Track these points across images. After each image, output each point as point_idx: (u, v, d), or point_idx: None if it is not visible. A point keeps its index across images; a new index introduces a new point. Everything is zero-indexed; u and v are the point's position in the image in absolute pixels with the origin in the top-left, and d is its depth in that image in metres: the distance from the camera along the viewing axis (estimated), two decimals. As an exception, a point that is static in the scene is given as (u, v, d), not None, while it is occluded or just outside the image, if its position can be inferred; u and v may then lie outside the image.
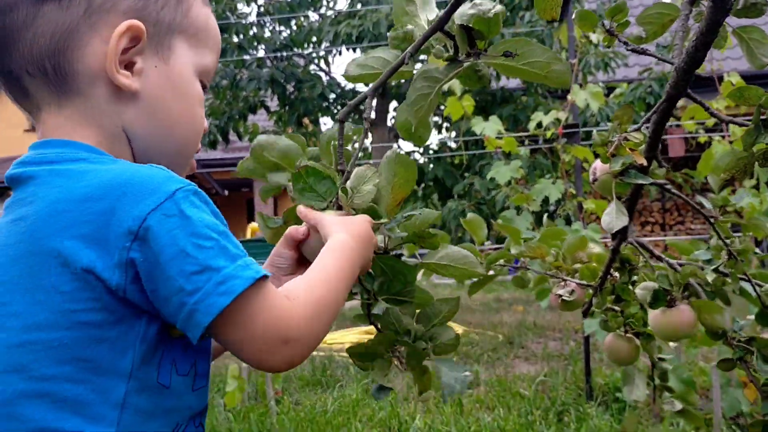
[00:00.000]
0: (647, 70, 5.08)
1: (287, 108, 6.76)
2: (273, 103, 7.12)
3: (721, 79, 3.78)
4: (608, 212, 1.09)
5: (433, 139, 10.03)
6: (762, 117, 0.81)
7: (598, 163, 1.12)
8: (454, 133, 6.25)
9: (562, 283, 1.37)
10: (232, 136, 7.45)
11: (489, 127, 3.89)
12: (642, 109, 5.77)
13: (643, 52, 0.87)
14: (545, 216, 2.54)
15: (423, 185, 6.73)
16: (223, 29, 6.65)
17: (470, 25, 0.70)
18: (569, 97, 3.94)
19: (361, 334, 6.24)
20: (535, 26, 5.68)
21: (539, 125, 4.04)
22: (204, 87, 0.82)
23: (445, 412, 3.37)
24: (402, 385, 4.30)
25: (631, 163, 1.04)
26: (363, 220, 0.83)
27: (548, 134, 4.46)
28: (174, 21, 0.75)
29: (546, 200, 4.04)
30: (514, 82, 7.26)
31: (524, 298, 9.14)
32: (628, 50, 0.86)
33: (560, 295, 1.35)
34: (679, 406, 1.35)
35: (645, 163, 1.01)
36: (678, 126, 5.77)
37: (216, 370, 4.91)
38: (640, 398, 1.44)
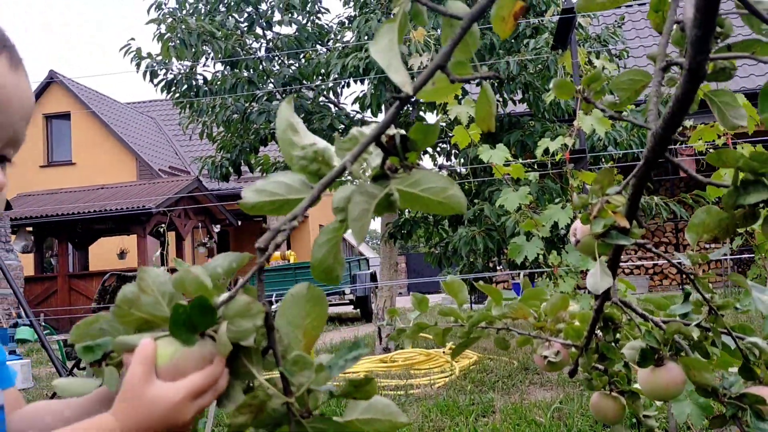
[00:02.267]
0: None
1: (297, 139, 6.84)
2: (283, 135, 7.23)
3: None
4: (592, 274, 1.11)
5: (443, 166, 10.09)
6: (742, 179, 0.84)
7: (578, 225, 1.14)
8: (462, 160, 6.28)
9: (547, 344, 1.37)
10: (244, 168, 7.53)
11: (496, 155, 3.92)
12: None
13: (619, 118, 0.91)
14: (528, 275, 2.56)
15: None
16: (234, 65, 6.78)
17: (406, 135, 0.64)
18: (575, 123, 3.97)
19: (374, 363, 6.23)
20: (540, 53, 5.75)
21: (546, 152, 4.08)
22: (6, 159, 0.78)
23: (461, 441, 3.36)
24: (417, 414, 4.29)
25: (612, 225, 1.07)
26: (175, 404, 0.65)
27: (557, 157, 4.49)
28: None
29: (555, 225, 4.05)
30: (520, 108, 7.31)
31: (539, 323, 9.11)
32: (605, 116, 0.90)
33: (545, 357, 1.35)
34: None
35: (627, 225, 1.03)
36: (688, 146, 5.78)
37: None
38: None
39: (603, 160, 5.75)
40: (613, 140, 5.57)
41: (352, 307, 12.74)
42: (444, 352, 6.31)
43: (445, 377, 5.47)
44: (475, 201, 6.35)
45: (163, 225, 4.83)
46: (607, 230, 1.03)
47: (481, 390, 4.92)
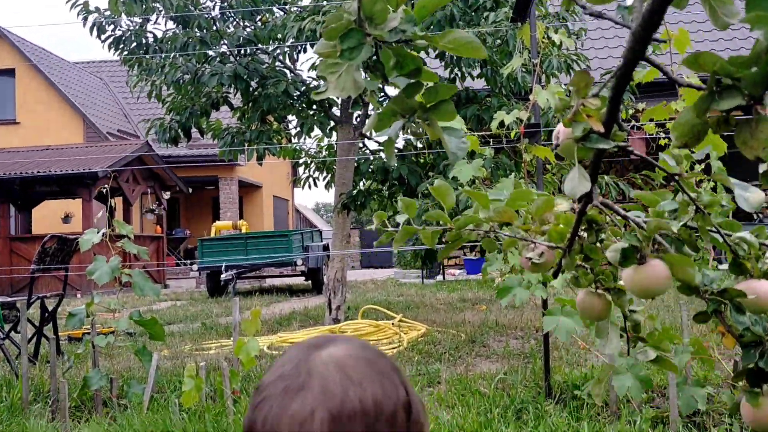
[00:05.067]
0: (608, 72, 5.13)
1: (251, 105, 6.67)
2: (236, 100, 7.02)
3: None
4: (571, 178, 1.10)
5: (399, 138, 10.04)
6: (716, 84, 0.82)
7: (561, 128, 1.13)
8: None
9: (531, 246, 1.36)
10: (194, 133, 7.32)
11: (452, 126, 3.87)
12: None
13: (600, 16, 0.87)
14: (480, 250, 2.53)
15: (388, 184, 6.70)
16: (185, 23, 6.54)
17: None
18: (531, 97, 3.95)
19: (324, 333, 6.20)
20: (499, 26, 5.70)
21: (501, 124, 4.05)
22: None
23: (405, 410, 3.35)
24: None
25: (592, 128, 1.06)
26: None
27: (512, 135, 4.47)
28: None
29: (508, 199, 4.05)
30: (479, 84, 7.29)
31: (487, 297, 9.19)
32: (585, 14, 0.86)
33: (530, 258, 1.34)
34: (653, 354, 1.37)
35: (602, 129, 1.01)
36: (639, 128, 5.85)
37: (173, 368, 4.82)
38: (615, 351, 1.45)
39: (557, 137, 5.76)
40: (567, 117, 5.57)
41: (303, 278, 12.66)
42: (393, 324, 6.31)
43: (394, 348, 5.47)
44: (430, 174, 6.33)
45: (106, 186, 4.64)
46: (587, 134, 1.01)
47: (428, 361, 4.93)
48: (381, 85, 1.12)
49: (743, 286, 1.20)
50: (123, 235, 4.20)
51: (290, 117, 7.13)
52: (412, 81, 1.08)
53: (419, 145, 6.86)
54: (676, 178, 1.24)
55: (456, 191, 5.03)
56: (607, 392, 3.46)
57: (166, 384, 4.18)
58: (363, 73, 1.07)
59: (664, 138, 4.93)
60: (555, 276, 1.45)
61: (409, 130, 1.15)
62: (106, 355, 5.67)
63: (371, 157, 7.03)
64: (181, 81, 6.52)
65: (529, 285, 3.60)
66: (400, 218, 1.54)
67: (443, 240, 1.53)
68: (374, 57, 1.08)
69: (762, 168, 1.02)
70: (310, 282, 12.39)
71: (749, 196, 1.17)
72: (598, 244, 1.37)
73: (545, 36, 4.33)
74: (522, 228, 1.47)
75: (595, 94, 1.07)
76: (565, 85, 4.33)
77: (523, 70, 5.98)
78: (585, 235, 1.38)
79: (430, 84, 1.08)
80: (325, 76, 1.09)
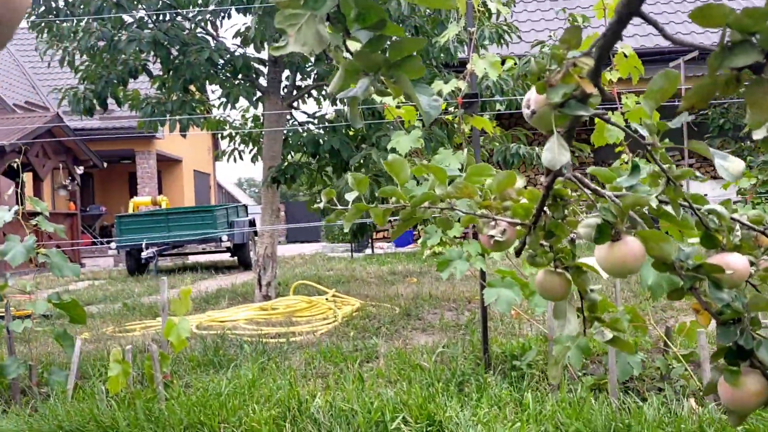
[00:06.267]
0: (540, 43, 5.14)
1: (171, 73, 6.32)
2: (156, 68, 6.64)
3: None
4: (549, 147, 1.03)
5: (329, 110, 9.84)
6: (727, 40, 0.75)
7: (532, 95, 1.05)
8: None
9: (493, 224, 1.29)
10: (111, 104, 6.91)
11: (387, 96, 3.76)
12: (534, 82, 5.86)
13: None
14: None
15: (318, 157, 6.54)
16: (99, -15, 6.10)
17: None
18: (469, 66, 3.89)
19: (254, 311, 6.03)
20: (432, -5, 5.62)
21: (439, 95, 3.98)
22: None
23: (347, 388, 3.27)
24: (300, 362, 4.17)
25: (572, 93, 0.99)
26: None
27: (446, 107, 4.41)
28: None
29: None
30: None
31: (417, 270, 9.23)
32: None
33: (492, 236, 1.27)
34: (609, 335, 1.33)
35: (595, 91, 0.95)
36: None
37: (96, 352, 4.56)
38: (573, 332, 1.41)
39: (489, 107, 5.77)
40: (500, 88, 5.58)
41: (229, 255, 12.35)
42: (326, 299, 6.21)
43: (329, 324, 5.39)
44: (362, 146, 6.21)
45: (16, 161, 4.29)
46: (566, 100, 0.94)
47: (364, 336, 4.87)
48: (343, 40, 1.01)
49: (716, 259, 1.17)
50: (37, 212, 3.90)
51: (215, 87, 6.82)
52: (376, 34, 0.97)
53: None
54: (648, 148, 1.19)
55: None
56: (545, 362, 3.49)
57: (90, 369, 3.95)
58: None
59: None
60: (518, 254, 1.39)
61: (372, 90, 1.04)
62: (21, 340, 5.32)
63: (300, 129, 6.84)
64: (96, 48, 6.11)
65: (468, 257, 3.58)
66: (350, 195, 1.44)
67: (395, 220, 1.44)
68: (335, 8, 0.97)
69: (759, 135, 0.97)
70: (236, 258, 12.11)
71: (729, 165, 1.13)
72: (562, 221, 1.31)
73: (481, 3, 4.27)
74: (482, 204, 1.40)
75: (587, 53, 1.00)
76: (497, 54, 4.30)
77: (455, 41, 5.92)
78: (549, 211, 1.33)
79: (395, 38, 0.98)
80: (284, 28, 0.96)
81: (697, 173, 1.27)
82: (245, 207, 13.10)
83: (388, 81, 1.00)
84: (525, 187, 1.42)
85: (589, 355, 3.55)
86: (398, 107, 3.90)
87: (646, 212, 1.30)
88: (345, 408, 2.95)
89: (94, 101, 6.38)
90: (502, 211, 1.39)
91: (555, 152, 1.05)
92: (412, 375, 3.54)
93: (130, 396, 3.14)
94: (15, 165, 4.09)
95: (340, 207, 1.47)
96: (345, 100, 1.05)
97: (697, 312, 1.32)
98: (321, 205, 1.54)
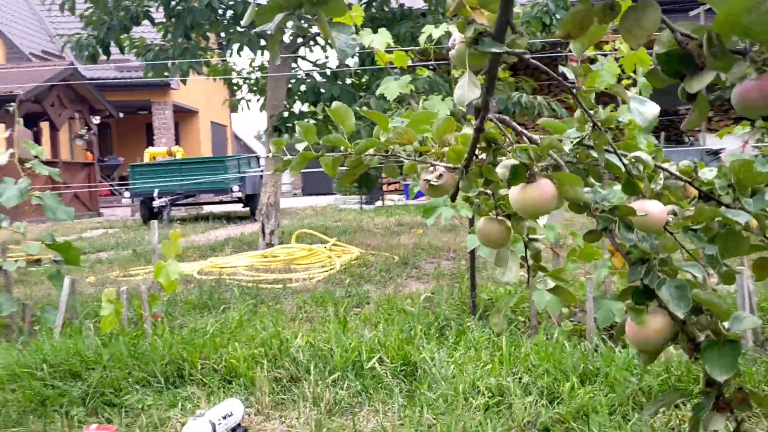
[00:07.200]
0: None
1: (173, 20, 6.28)
2: (158, 14, 6.60)
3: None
4: (460, 85, 1.02)
5: (331, 58, 9.72)
6: None
7: (456, 33, 1.04)
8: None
9: (431, 168, 1.29)
10: (114, 49, 6.90)
11: (378, 40, 3.71)
12: (538, 29, 5.74)
13: None
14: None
15: (321, 106, 6.51)
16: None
17: None
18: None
19: (255, 258, 6.11)
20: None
21: (430, 39, 3.92)
22: None
23: (329, 330, 3.33)
24: (292, 306, 4.24)
25: (484, 31, 0.98)
26: None
27: (429, 48, 4.32)
28: None
29: (437, 118, 3.96)
30: (417, 2, 7.07)
31: (425, 222, 9.24)
32: None
33: (428, 180, 1.27)
34: (552, 284, 1.34)
35: (485, 22, 0.93)
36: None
37: (97, 295, 4.67)
38: (513, 280, 1.42)
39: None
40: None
41: (242, 205, 12.45)
42: (326, 248, 6.26)
43: (326, 272, 5.44)
44: (362, 95, 6.16)
45: (12, 105, 4.33)
46: (478, 36, 0.94)
47: (358, 283, 4.93)
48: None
49: (636, 205, 1.17)
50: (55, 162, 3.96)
51: (220, 34, 6.77)
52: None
53: (351, 64, 6.65)
54: (573, 91, 1.17)
55: (390, 111, 4.90)
56: (528, 307, 3.51)
57: (90, 311, 4.05)
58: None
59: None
60: (453, 199, 1.38)
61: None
62: (26, 282, 5.46)
63: (302, 77, 6.79)
64: (97, -8, 6.08)
65: (455, 204, 3.58)
66: (300, 145, 1.43)
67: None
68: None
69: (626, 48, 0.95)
70: (248, 209, 12.20)
71: (644, 110, 1.12)
72: (495, 166, 1.30)
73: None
74: (421, 150, 1.39)
75: (484, -12, 0.98)
76: None
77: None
78: (484, 156, 1.31)
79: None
80: None
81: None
82: (257, 158, 13.13)
83: (312, 19, 0.98)
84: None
85: (575, 303, 3.55)
86: (388, 52, 3.85)
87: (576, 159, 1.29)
88: (324, 348, 3.00)
89: (97, 47, 6.37)
90: (441, 157, 1.38)
91: (465, 89, 1.04)
92: (396, 319, 3.58)
93: (115, 334, 3.23)
94: (9, 110, 4.13)
95: (289, 156, 1.46)
96: (299, 27, 1.04)
97: (612, 254, 1.32)
98: (270, 155, 1.53)
